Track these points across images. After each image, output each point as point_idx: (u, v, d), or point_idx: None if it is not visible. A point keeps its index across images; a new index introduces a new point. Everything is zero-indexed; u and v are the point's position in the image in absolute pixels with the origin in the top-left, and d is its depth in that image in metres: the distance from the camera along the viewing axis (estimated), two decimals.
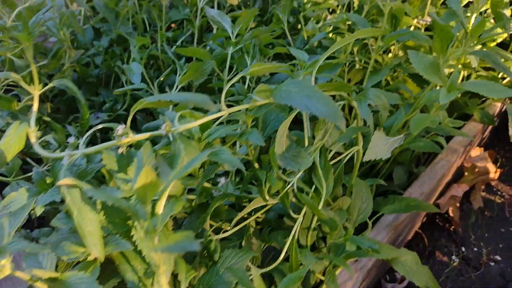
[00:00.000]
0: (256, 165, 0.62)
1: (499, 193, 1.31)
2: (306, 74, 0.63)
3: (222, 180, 0.64)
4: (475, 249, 1.14)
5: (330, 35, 1.03)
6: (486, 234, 1.17)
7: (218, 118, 0.61)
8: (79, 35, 1.16)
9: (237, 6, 1.36)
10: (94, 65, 1.13)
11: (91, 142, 0.99)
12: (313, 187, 0.63)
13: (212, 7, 1.23)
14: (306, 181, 0.65)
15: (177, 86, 0.87)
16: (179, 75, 0.87)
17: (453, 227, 1.18)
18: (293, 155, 0.60)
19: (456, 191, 1.10)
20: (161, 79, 0.91)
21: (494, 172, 1.33)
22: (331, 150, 0.72)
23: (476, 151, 1.26)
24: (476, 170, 1.21)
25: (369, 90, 0.61)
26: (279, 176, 0.59)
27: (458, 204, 1.21)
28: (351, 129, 0.63)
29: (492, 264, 1.12)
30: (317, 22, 1.16)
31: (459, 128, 1.02)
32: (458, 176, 1.25)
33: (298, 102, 0.48)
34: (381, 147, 0.63)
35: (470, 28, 0.60)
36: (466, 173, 1.21)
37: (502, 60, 0.99)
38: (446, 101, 0.58)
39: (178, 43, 1.22)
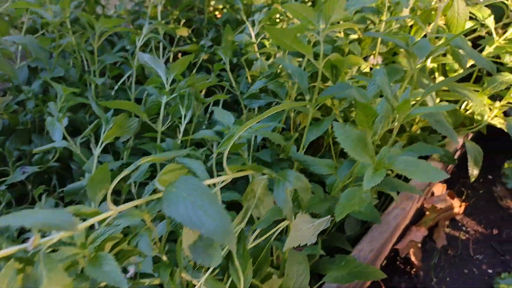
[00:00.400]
0: (165, 258, 0.55)
1: (464, 228, 1.26)
2: (219, 151, 0.57)
3: (131, 270, 0.57)
4: None
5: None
6: (448, 278, 1.12)
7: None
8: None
9: (188, 37, 1.29)
10: (28, 110, 1.05)
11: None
12: (230, 279, 0.56)
13: (159, 42, 1.16)
14: (224, 268, 0.59)
15: (101, 143, 0.80)
16: (104, 130, 0.80)
17: (414, 269, 1.13)
18: (206, 245, 0.54)
19: (415, 236, 1.05)
20: (86, 134, 0.84)
21: (458, 206, 1.28)
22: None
23: (438, 188, 1.21)
24: (438, 208, 1.16)
25: (289, 172, 0.55)
26: (183, 271, 0.52)
27: (419, 245, 1.15)
28: (272, 212, 0.57)
29: None
30: (268, 58, 1.10)
31: None
32: (420, 214, 1.19)
33: (182, 214, 0.41)
34: (305, 231, 0.57)
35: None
36: (427, 212, 1.16)
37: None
38: (371, 186, 0.52)
39: (125, 79, 1.14)
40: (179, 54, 1.33)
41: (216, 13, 1.56)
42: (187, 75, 1.26)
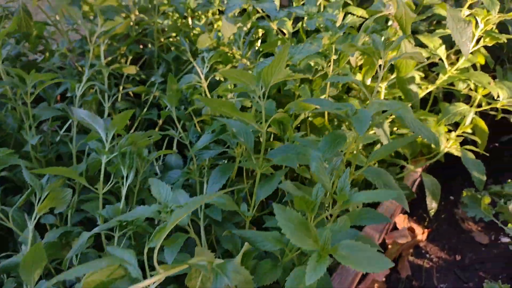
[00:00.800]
0: None
1: (427, 256, 1.26)
2: (149, 246, 0.52)
3: None
4: None
5: None
6: None
7: None
8: None
9: (137, 74, 1.23)
10: None
11: None
12: None
13: (103, 84, 1.09)
14: None
15: (35, 216, 0.74)
16: (37, 201, 0.74)
17: None
18: None
19: (377, 275, 1.03)
20: (19, 204, 0.77)
21: (421, 233, 1.27)
22: None
23: (400, 218, 1.20)
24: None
25: (228, 264, 0.51)
26: None
27: (384, 279, 1.14)
28: None
29: None
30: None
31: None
32: (383, 247, 1.18)
33: None
34: None
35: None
36: (390, 246, 1.14)
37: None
38: (315, 279, 0.48)
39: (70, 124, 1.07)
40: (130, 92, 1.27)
41: (171, 39, 1.50)
42: (138, 113, 1.21)
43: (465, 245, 1.30)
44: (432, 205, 1.05)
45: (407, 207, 0.65)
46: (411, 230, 1.15)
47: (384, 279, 1.14)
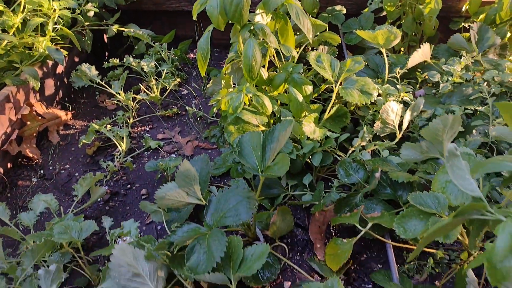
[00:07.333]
0: None
1: (73, 127, 2.02)
2: None
3: None
4: (51, 168, 1.81)
5: None
6: (61, 156, 1.85)
7: None
8: None
9: None
10: None
11: None
12: None
13: None
14: None
15: None
16: None
17: (35, 161, 1.82)
18: None
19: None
20: None
21: (65, 115, 2.00)
22: None
23: (37, 106, 1.88)
24: (38, 117, 1.84)
25: None
26: None
27: (34, 145, 1.83)
28: None
29: (63, 171, 1.81)
30: None
31: None
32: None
33: None
34: None
35: None
36: (29, 122, 1.82)
37: None
38: None
39: None
40: None
41: None
42: None
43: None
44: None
45: None
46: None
47: (35, 145, 1.84)
